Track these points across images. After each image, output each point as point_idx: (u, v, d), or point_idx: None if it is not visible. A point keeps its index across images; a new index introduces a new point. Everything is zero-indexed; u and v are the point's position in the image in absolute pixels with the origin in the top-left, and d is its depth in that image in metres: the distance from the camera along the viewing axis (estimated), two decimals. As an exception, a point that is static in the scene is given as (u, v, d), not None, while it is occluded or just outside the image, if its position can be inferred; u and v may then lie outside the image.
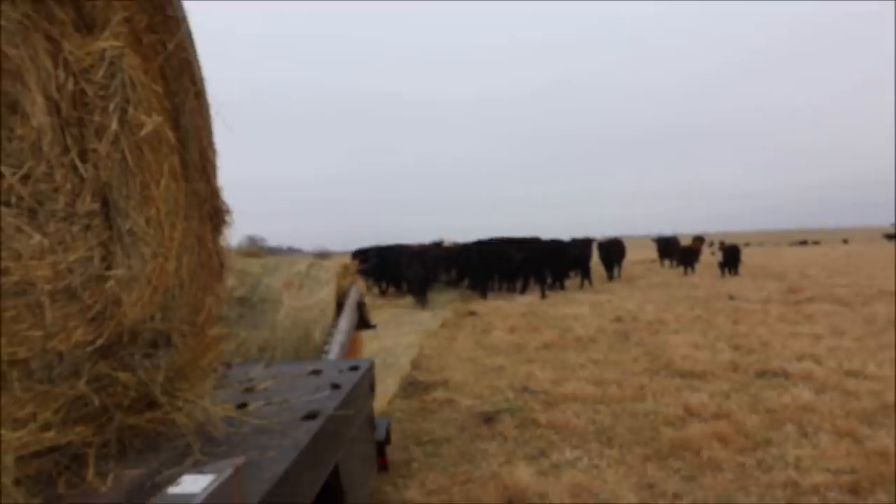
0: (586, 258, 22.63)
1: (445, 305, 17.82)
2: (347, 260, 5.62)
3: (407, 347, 10.95)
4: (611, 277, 24.28)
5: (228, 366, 2.69)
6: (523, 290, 21.03)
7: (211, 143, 2.35)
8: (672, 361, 8.46)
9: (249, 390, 2.49)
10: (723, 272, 23.92)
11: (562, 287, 21.21)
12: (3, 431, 1.40)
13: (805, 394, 6.58)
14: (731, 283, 20.62)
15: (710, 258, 30.15)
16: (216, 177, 2.39)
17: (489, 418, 6.29)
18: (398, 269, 20.57)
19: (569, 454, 5.19)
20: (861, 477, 4.33)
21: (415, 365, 9.34)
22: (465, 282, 22.51)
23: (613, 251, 24.78)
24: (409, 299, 19.55)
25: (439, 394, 7.40)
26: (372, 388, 3.15)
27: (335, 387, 2.46)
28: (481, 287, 20.17)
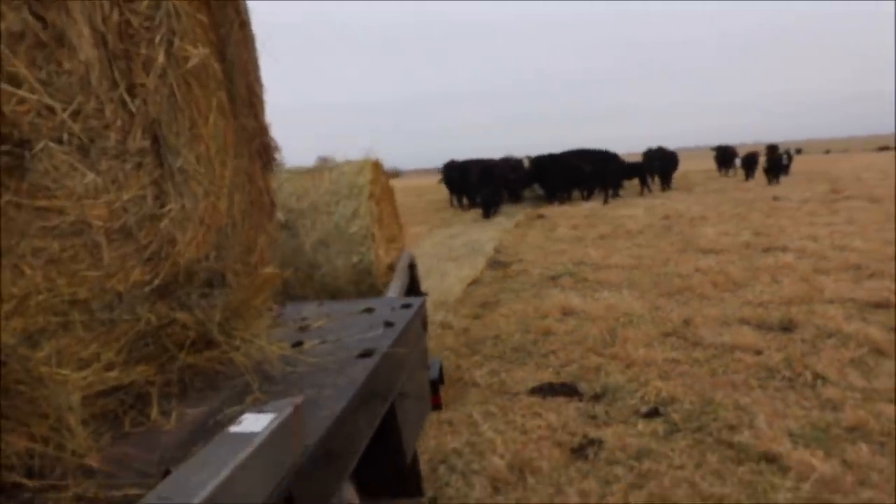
0: (643, 168, 25.04)
1: (518, 213, 19.77)
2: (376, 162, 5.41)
3: (488, 240, 13.85)
4: (663, 186, 25.84)
5: (282, 305, 2.69)
6: (588, 197, 23.47)
7: (258, 78, 2.27)
8: (699, 243, 11.03)
9: (304, 329, 2.49)
10: (768, 178, 25.07)
11: (616, 195, 23.22)
12: (69, 371, 1.40)
13: (789, 258, 9.10)
14: (781, 188, 22.34)
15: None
16: (264, 112, 2.32)
17: (553, 277, 9.32)
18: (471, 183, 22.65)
19: (606, 293, 7.92)
20: (799, 299, 6.90)
21: (496, 250, 12.46)
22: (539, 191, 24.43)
23: (660, 162, 26.20)
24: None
25: (516, 266, 10.51)
26: (425, 325, 3.13)
27: (388, 325, 2.44)
28: (551, 195, 22.90)
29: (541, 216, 18.14)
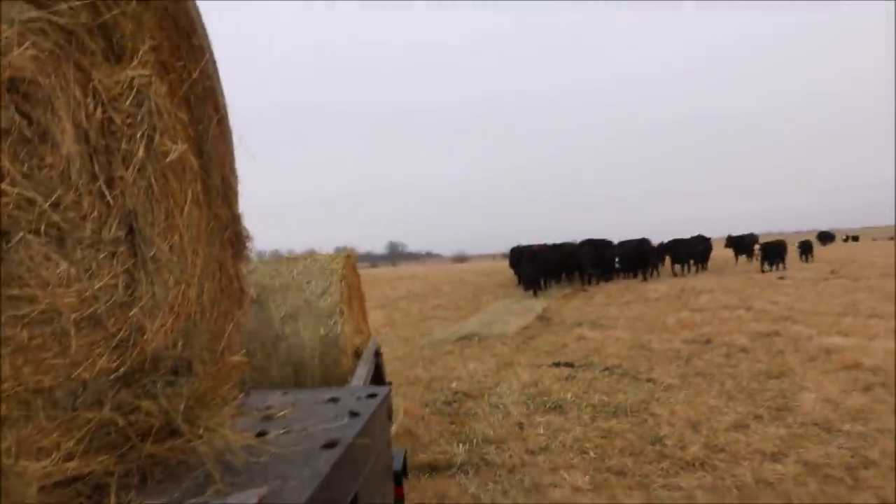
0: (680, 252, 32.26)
1: (567, 289, 26.71)
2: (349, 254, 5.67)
3: (540, 306, 20.41)
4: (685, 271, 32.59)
5: (247, 393, 2.67)
6: (625, 276, 30.63)
7: (233, 169, 2.36)
8: (693, 305, 17.74)
9: (268, 418, 2.47)
10: (762, 266, 30.33)
11: (644, 278, 29.58)
12: (27, 462, 1.39)
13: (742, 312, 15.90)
14: (788, 272, 28.40)
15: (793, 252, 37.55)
16: (237, 203, 2.39)
17: (580, 324, 15.57)
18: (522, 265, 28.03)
19: (609, 332, 14.09)
20: (714, 332, 13.23)
21: (544, 310, 18.95)
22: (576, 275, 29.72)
23: (690, 250, 33.01)
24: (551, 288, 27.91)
25: (556, 319, 17.12)
26: (390, 415, 3.11)
27: (354, 414, 2.44)
28: (586, 277, 28.37)
29: (584, 290, 25.66)
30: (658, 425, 6.74)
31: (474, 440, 6.67)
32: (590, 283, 28.05)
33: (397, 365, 11.08)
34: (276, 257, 5.74)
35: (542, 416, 7.48)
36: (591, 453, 6.03)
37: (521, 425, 7.16)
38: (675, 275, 30.46)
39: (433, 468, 5.92)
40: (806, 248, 36.78)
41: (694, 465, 5.51)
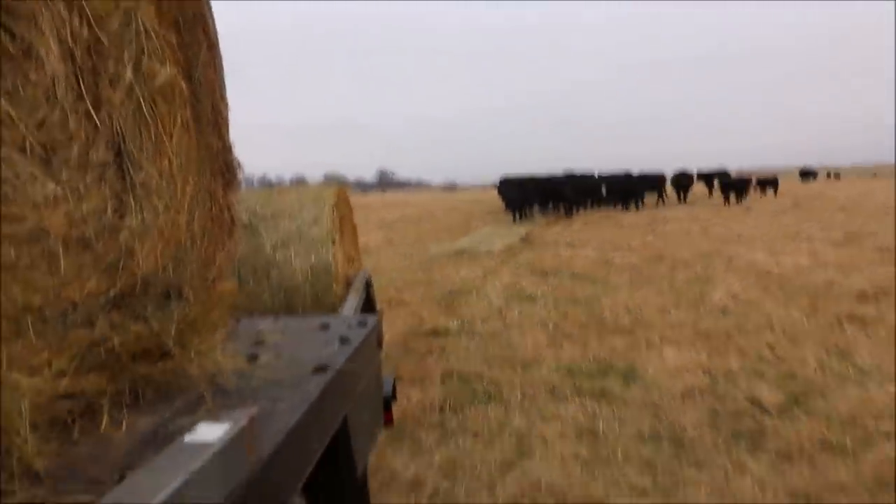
0: (657, 186, 34.58)
1: (549, 217, 29.63)
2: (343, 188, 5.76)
3: (525, 231, 22.99)
4: (680, 201, 35.86)
5: (238, 319, 2.70)
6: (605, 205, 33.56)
7: (223, 98, 2.33)
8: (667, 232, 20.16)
9: (259, 343, 2.51)
10: (725, 200, 33.49)
11: (636, 207, 31.91)
12: (19, 377, 1.41)
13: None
14: (756, 204, 31.87)
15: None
16: (228, 132, 2.37)
17: (556, 243, 18.37)
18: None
19: (581, 251, 16.12)
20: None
21: (527, 234, 21.58)
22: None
23: (682, 181, 36.63)
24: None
25: (537, 241, 19.37)
26: (380, 342, 3.17)
27: (344, 341, 2.48)
28: (568, 209, 29.99)
29: (566, 217, 28.11)
30: (602, 310, 9.03)
31: (465, 319, 8.83)
32: (571, 212, 29.52)
33: (401, 272, 13.55)
34: (265, 184, 5.75)
35: (517, 305, 9.69)
36: (551, 326, 8.30)
37: (500, 310, 9.37)
38: (655, 206, 32.91)
39: (435, 333, 8.04)
40: (766, 184, 39.16)
41: (622, 332, 7.79)
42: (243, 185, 2.65)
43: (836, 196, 35.65)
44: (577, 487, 3.86)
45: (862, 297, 8.88)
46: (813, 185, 58.53)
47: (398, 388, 3.58)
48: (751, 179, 37.42)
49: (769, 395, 5.34)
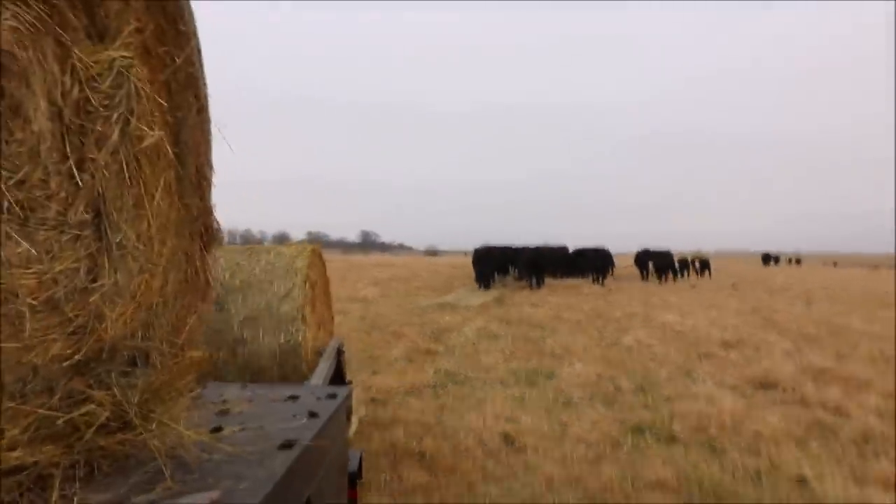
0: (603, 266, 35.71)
1: (515, 284, 33.15)
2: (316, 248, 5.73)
3: (495, 293, 27.23)
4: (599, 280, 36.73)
5: (204, 386, 2.61)
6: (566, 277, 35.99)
7: (208, 160, 2.32)
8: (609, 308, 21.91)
9: (224, 413, 2.42)
10: (659, 279, 37.09)
11: (594, 280, 34.56)
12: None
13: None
14: (700, 281, 38.36)
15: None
16: (210, 194, 2.35)
17: (524, 305, 22.56)
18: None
19: (544, 307, 21.55)
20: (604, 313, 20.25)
21: (497, 297, 25.30)
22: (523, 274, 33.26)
23: (598, 259, 36.55)
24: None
25: (507, 301, 24.06)
26: (349, 416, 3.08)
27: (312, 415, 2.40)
28: (529, 278, 31.41)
29: (529, 287, 30.52)
30: (545, 345, 13.16)
31: (448, 345, 13.18)
32: (532, 282, 30.95)
33: (398, 316, 17.84)
34: (244, 244, 5.64)
35: (486, 340, 13.97)
36: (507, 352, 12.47)
37: (473, 342, 13.63)
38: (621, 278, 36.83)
39: (428, 352, 12.25)
40: (685, 266, 42.15)
41: (553, 356, 11.96)
42: (225, 240, 2.61)
43: (775, 280, 41.17)
44: (508, 413, 7.80)
45: (724, 344, 13.15)
46: (769, 269, 63.19)
47: (364, 467, 3.47)
48: (673, 260, 39.67)
49: (627, 385, 9.49)
